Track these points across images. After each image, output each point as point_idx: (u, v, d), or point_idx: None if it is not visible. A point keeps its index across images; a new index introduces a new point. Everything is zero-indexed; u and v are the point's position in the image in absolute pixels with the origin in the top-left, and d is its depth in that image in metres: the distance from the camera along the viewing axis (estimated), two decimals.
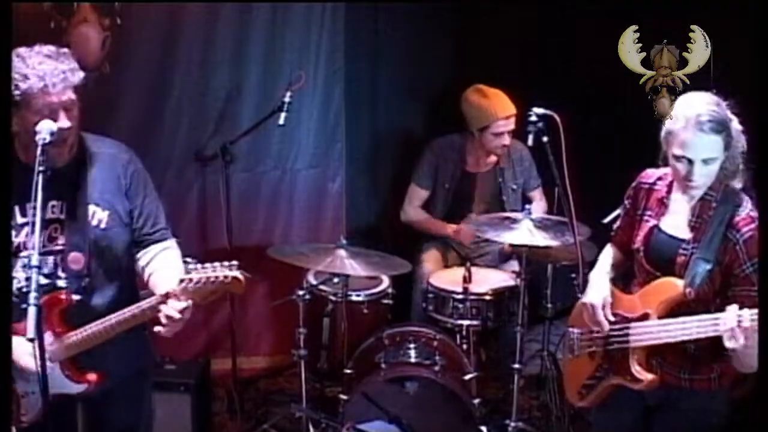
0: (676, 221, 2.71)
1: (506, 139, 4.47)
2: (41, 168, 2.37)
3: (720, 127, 2.54)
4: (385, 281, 4.23)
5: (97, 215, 2.67)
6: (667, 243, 2.71)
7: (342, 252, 3.85)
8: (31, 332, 2.20)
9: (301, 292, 3.90)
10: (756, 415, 2.26)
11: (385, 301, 4.18)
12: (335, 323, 4.08)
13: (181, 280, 2.45)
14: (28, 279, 2.40)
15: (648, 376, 2.71)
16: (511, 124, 4.44)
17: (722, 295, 2.61)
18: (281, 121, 4.12)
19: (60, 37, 3.93)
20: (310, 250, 4.00)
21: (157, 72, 4.29)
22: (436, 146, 4.67)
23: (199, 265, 2.46)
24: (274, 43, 4.47)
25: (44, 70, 2.48)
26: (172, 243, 2.83)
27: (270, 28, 4.45)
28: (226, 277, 2.43)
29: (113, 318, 2.59)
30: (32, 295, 2.24)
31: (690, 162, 2.57)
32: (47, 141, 2.43)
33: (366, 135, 5.15)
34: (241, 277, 2.44)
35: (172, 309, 2.47)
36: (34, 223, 2.58)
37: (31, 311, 2.22)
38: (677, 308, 2.65)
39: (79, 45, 4.00)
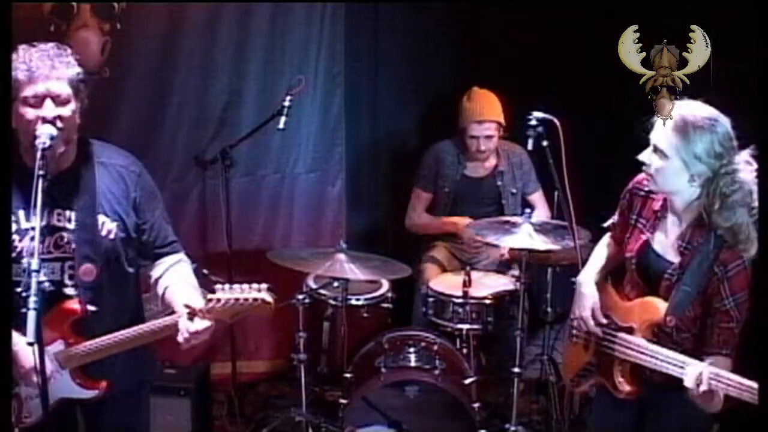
0: (667, 241, 2.71)
1: (482, 144, 4.48)
2: (41, 172, 2.35)
3: (681, 126, 2.51)
4: (385, 285, 4.23)
5: (107, 226, 2.64)
6: (656, 262, 2.72)
7: (342, 256, 3.84)
8: (30, 336, 2.19)
9: (300, 297, 3.89)
10: (754, 413, 2.26)
11: (385, 306, 4.18)
12: (335, 327, 4.07)
13: (209, 300, 2.45)
14: (27, 283, 2.35)
15: (627, 388, 2.77)
16: (487, 130, 4.45)
17: (704, 324, 2.64)
18: (281, 125, 4.11)
19: (60, 42, 3.90)
20: (309, 255, 4.00)
21: (157, 76, 4.29)
22: (436, 150, 4.68)
23: (227, 286, 2.47)
24: (274, 47, 4.48)
25: (32, 58, 2.48)
26: (183, 255, 2.82)
27: (270, 33, 4.46)
28: (255, 299, 2.44)
29: (131, 331, 2.60)
30: (32, 299, 2.22)
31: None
32: (47, 145, 2.41)
33: (366, 139, 5.16)
34: (270, 299, 2.45)
35: (197, 325, 2.49)
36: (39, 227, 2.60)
37: (31, 315, 2.21)
38: (659, 330, 2.70)
39: (78, 49, 3.87)
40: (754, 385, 2.30)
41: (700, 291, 2.60)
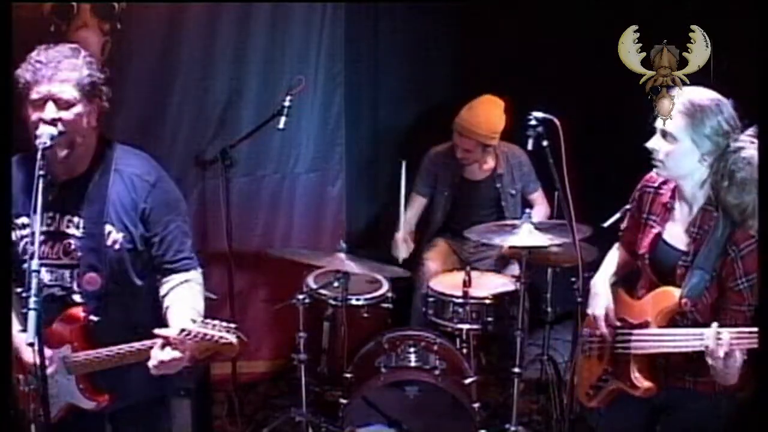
0: (678, 231, 2.71)
1: (459, 153, 4.48)
2: (41, 172, 2.34)
3: (689, 108, 2.54)
4: (385, 285, 4.23)
5: (113, 236, 2.58)
6: (668, 253, 2.72)
7: (342, 256, 3.85)
8: (30, 336, 2.19)
9: (301, 297, 3.89)
10: (757, 415, 2.26)
11: (385, 306, 4.18)
12: (335, 327, 4.07)
13: (182, 330, 2.35)
14: (39, 284, 2.31)
15: (645, 384, 2.73)
16: (465, 143, 4.44)
17: (718, 308, 2.62)
18: (281, 125, 4.11)
19: (59, 42, 3.92)
20: (309, 254, 4.02)
21: (157, 76, 4.28)
22: (434, 154, 4.67)
23: (200, 320, 2.39)
24: (274, 47, 4.48)
25: (39, 59, 2.45)
26: (194, 274, 2.68)
27: (270, 33, 4.45)
28: (221, 338, 2.35)
29: (117, 349, 2.54)
30: (32, 300, 2.22)
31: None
32: (47, 145, 2.40)
33: (366, 139, 5.16)
34: (234, 342, 2.36)
35: (166, 356, 2.38)
36: (48, 232, 2.58)
37: (31, 315, 2.21)
38: (675, 318, 2.67)
39: None
40: None
41: (715, 273, 2.58)
